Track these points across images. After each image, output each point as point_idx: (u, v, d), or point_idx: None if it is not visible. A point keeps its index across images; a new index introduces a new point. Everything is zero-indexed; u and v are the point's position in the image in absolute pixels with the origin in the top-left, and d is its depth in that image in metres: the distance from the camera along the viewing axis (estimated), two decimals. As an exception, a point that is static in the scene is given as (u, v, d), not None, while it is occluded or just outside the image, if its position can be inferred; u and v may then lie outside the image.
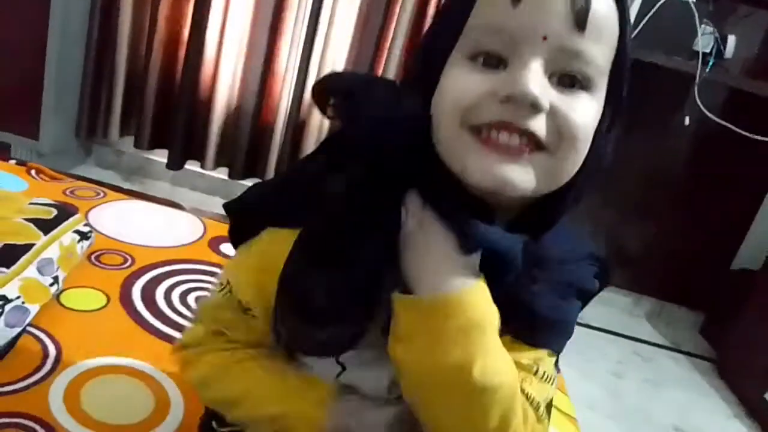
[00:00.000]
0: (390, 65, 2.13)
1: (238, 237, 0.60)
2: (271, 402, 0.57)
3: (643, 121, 2.21)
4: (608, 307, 2.45)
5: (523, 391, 0.53)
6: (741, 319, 2.11)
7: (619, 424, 1.72)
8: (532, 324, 0.55)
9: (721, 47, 1.95)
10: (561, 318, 0.58)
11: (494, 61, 0.48)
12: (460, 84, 0.48)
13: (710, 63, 1.93)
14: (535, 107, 0.46)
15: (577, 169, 0.50)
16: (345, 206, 0.51)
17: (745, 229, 2.34)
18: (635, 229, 2.40)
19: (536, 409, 0.54)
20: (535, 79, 0.46)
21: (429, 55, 0.52)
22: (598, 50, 0.48)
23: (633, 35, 1.65)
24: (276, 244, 0.54)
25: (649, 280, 2.46)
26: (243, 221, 0.59)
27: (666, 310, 2.49)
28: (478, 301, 0.49)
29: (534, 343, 0.56)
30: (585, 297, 0.61)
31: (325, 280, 0.51)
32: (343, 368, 0.57)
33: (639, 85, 2.09)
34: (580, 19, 0.46)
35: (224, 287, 0.59)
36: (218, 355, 0.60)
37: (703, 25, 1.96)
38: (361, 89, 0.53)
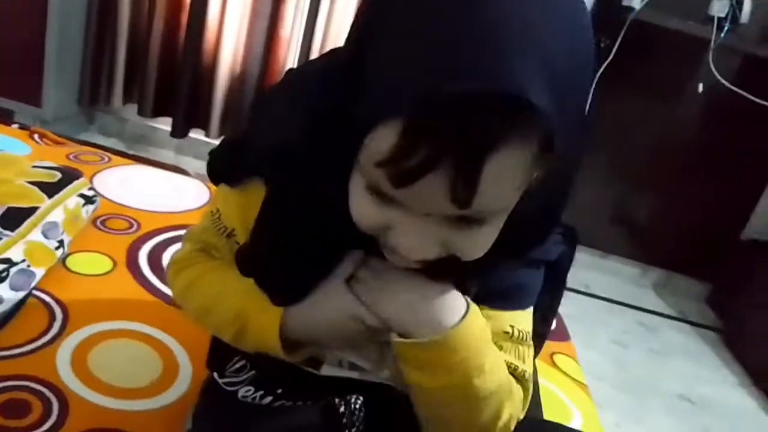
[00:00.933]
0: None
1: (217, 177, 0.63)
2: (236, 298, 0.58)
3: (654, 87, 2.18)
4: (615, 277, 2.44)
5: (507, 364, 0.57)
6: (749, 290, 2.12)
7: (624, 393, 1.72)
8: (500, 293, 0.58)
9: (737, 12, 1.92)
10: (522, 282, 0.60)
11: (390, 200, 0.45)
12: (362, 210, 0.48)
13: (725, 28, 1.90)
14: (424, 261, 0.47)
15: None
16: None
17: (756, 199, 2.32)
18: (643, 198, 2.39)
19: (519, 375, 0.58)
20: (423, 241, 0.46)
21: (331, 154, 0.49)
22: (496, 202, 0.44)
23: (646, 0, 1.57)
24: (251, 193, 0.57)
25: (656, 250, 2.46)
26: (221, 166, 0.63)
27: (673, 281, 2.48)
28: (474, 330, 0.52)
29: (504, 308, 0.58)
30: (548, 267, 0.62)
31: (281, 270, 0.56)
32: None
33: (652, 51, 2.07)
34: (462, 204, 0.42)
35: (214, 214, 0.62)
36: (199, 266, 0.63)
37: (718, -10, 1.92)
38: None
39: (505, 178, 0.42)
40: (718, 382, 1.95)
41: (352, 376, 0.62)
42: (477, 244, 0.47)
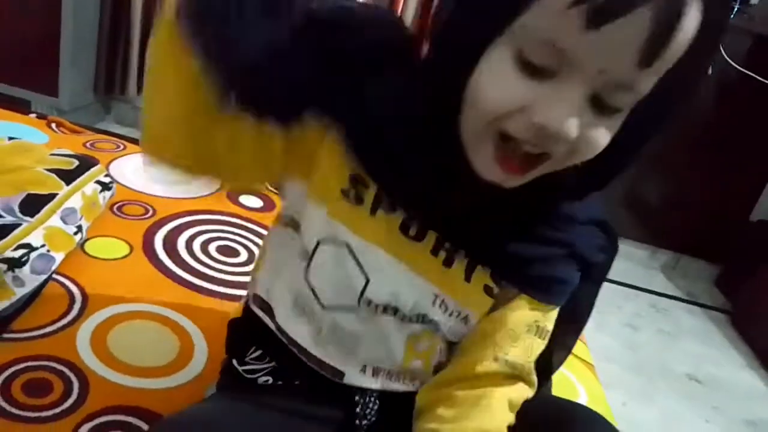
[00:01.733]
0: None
1: None
2: None
3: (664, 70, 2.17)
4: (624, 260, 2.45)
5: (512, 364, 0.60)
6: (757, 272, 2.11)
7: (635, 373, 1.74)
8: (543, 284, 0.59)
9: (748, -7, 1.90)
10: (565, 278, 0.61)
11: (540, 73, 0.44)
12: (500, 88, 0.45)
13: (735, 9, 1.88)
14: (562, 140, 0.45)
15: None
16: None
17: (765, 180, 2.31)
18: (652, 180, 2.38)
19: (526, 372, 0.61)
20: (573, 117, 0.44)
21: (462, 35, 0.47)
22: (653, 80, 0.44)
23: None
24: None
25: (665, 233, 2.46)
26: None
27: (682, 263, 2.49)
28: None
29: (544, 300, 0.60)
30: (586, 267, 0.62)
31: None
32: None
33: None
34: (650, 58, 0.41)
35: None
36: None
37: (729, -29, 1.90)
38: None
39: (685, 43, 0.41)
40: (726, 362, 1.96)
41: (373, 386, 0.63)
42: (603, 137, 0.46)
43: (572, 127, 0.44)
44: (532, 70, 0.43)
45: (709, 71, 2.03)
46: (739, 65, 2.00)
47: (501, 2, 0.44)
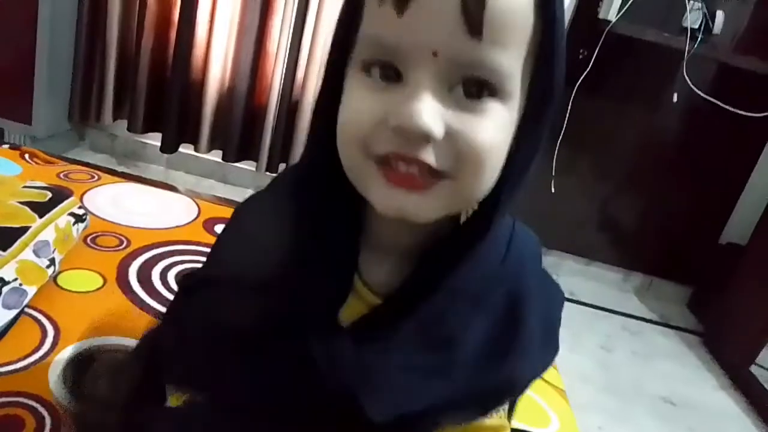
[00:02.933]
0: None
1: None
2: None
3: (631, 97, 2.23)
4: (598, 282, 2.48)
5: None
6: (728, 294, 2.15)
7: (609, 395, 1.76)
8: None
9: (710, 23, 1.96)
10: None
11: (392, 73, 0.43)
12: (354, 108, 0.44)
13: (699, 39, 1.94)
14: (427, 139, 0.42)
15: (489, 186, 0.46)
16: None
17: (733, 204, 2.37)
18: (624, 204, 2.43)
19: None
20: (426, 107, 0.41)
21: (328, 67, 0.48)
22: (504, 55, 0.42)
23: (621, 12, 1.63)
24: None
25: (638, 256, 2.50)
26: None
27: (654, 285, 2.53)
28: None
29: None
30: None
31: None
32: None
33: (628, 62, 2.12)
34: (474, 23, 0.40)
35: None
36: None
37: (691, 1, 1.97)
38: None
39: (512, 21, 0.41)
40: (699, 384, 1.99)
41: None
42: (482, 132, 0.43)
43: (427, 118, 0.41)
44: (379, 80, 0.43)
45: (675, 98, 2.09)
46: (703, 92, 2.07)
47: (345, 20, 0.45)
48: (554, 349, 0.60)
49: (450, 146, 0.43)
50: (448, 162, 0.43)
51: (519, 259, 0.56)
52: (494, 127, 0.43)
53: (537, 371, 0.59)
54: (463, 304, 0.53)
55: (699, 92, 2.04)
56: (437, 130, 0.42)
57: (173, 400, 0.59)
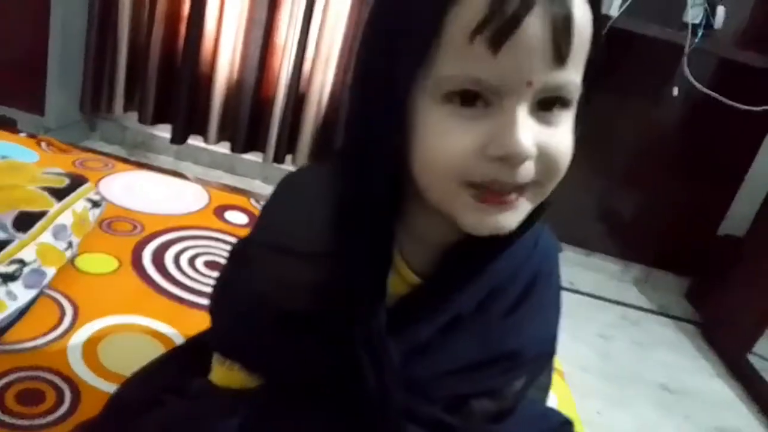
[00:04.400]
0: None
1: None
2: None
3: (632, 91, 2.24)
4: (597, 273, 2.51)
5: None
6: (725, 284, 2.18)
7: (608, 383, 1.79)
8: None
9: (711, 18, 1.97)
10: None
11: (471, 98, 0.45)
12: (449, 140, 0.45)
13: (699, 34, 1.95)
14: (526, 159, 0.46)
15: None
16: None
17: (731, 196, 2.38)
18: (624, 197, 2.45)
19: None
20: (526, 132, 0.44)
21: (383, 89, 0.48)
22: (577, 72, 0.46)
23: (623, 8, 1.67)
24: None
25: (637, 247, 2.52)
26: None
27: (653, 276, 2.54)
28: None
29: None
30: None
31: None
32: None
33: (629, 56, 2.13)
34: (563, 54, 0.44)
35: None
36: None
37: (693, -4, 1.99)
38: None
39: (583, 44, 0.45)
40: (696, 372, 2.02)
41: None
42: (562, 142, 0.47)
43: (527, 142, 0.44)
44: (461, 108, 0.45)
45: (675, 92, 2.11)
46: (703, 86, 2.09)
47: (409, 63, 0.45)
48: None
49: (539, 161, 0.47)
50: (536, 174, 0.47)
51: (544, 258, 0.63)
52: (567, 134, 0.48)
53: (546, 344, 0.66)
54: (495, 290, 0.59)
55: (700, 86, 2.06)
56: (533, 151, 0.45)
57: (217, 371, 0.62)
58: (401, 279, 0.57)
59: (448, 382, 0.60)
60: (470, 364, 0.60)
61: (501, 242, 0.53)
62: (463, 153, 0.45)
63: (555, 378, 1.14)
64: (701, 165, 2.34)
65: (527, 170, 0.46)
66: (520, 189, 0.48)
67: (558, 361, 1.21)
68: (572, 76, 0.46)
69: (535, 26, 0.42)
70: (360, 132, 0.53)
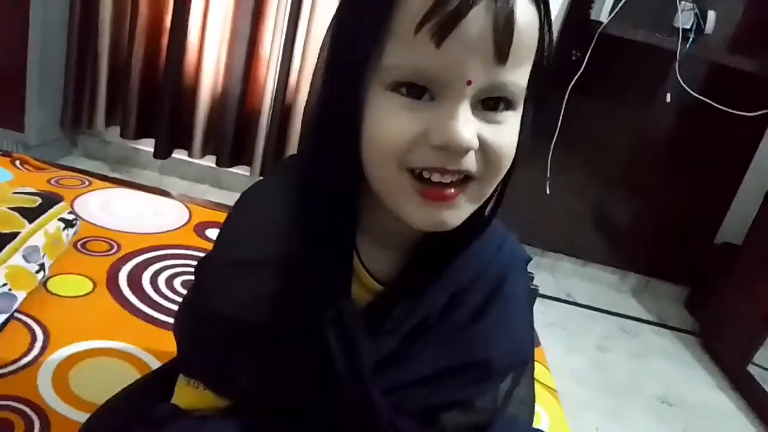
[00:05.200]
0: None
1: None
2: None
3: (625, 97, 2.23)
4: (594, 283, 2.48)
5: None
6: (724, 293, 2.16)
7: (605, 396, 1.76)
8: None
9: (702, 23, 1.97)
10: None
11: (417, 92, 0.47)
12: (390, 126, 0.47)
13: (690, 39, 1.95)
14: (467, 152, 0.47)
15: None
16: None
17: (728, 203, 2.37)
18: (620, 206, 2.44)
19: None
20: (466, 125, 0.46)
21: (341, 75, 0.51)
22: (521, 73, 0.48)
23: (613, 14, 1.65)
24: None
25: (634, 257, 2.50)
26: None
27: (651, 286, 2.53)
28: None
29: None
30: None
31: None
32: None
33: (620, 62, 2.12)
34: (503, 52, 0.45)
35: None
36: None
37: (683, 2, 1.98)
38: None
39: (527, 45, 0.46)
40: (696, 383, 1.99)
41: None
42: (505, 138, 0.49)
43: (467, 134, 0.46)
44: (414, 99, 0.47)
45: (668, 99, 2.10)
46: (695, 92, 2.07)
47: (362, 47, 0.47)
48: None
49: (480, 154, 0.48)
50: (477, 167, 0.49)
51: (509, 262, 0.63)
52: (511, 133, 0.50)
53: (516, 349, 0.64)
54: (456, 292, 0.59)
55: (692, 92, 2.05)
56: (475, 143, 0.47)
57: (182, 391, 0.61)
58: (363, 287, 0.58)
59: (416, 393, 0.59)
60: (437, 373, 0.59)
61: (459, 242, 0.55)
62: (406, 137, 0.47)
63: (546, 396, 1.10)
64: (697, 172, 2.33)
65: (468, 161, 0.48)
66: (460, 185, 0.49)
67: (550, 378, 1.17)
68: (514, 77, 0.47)
69: (477, 23, 0.44)
70: (319, 118, 0.54)
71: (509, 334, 0.63)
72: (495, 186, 0.51)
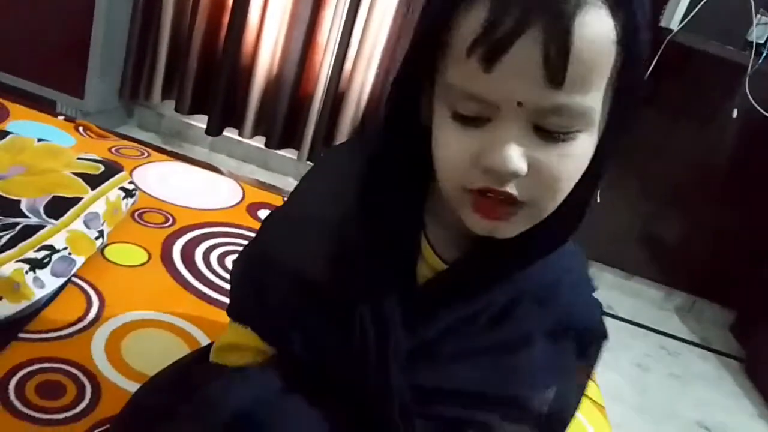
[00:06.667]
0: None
1: None
2: None
3: (689, 110, 2.16)
4: (638, 299, 2.42)
5: None
6: (773, 319, 2.09)
7: (642, 416, 1.71)
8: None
9: (776, 39, 1.89)
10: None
11: (475, 122, 0.47)
12: (451, 150, 0.49)
13: (764, 54, 1.88)
14: (514, 177, 0.47)
15: (558, 204, 0.50)
16: None
17: (786, 228, 2.29)
18: (672, 220, 2.37)
19: None
20: (513, 152, 0.46)
21: (406, 91, 0.53)
22: (585, 97, 0.45)
23: (684, 22, 1.58)
24: None
25: (681, 274, 2.43)
26: None
27: (697, 306, 2.46)
28: None
29: None
30: (584, 340, 0.63)
31: None
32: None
33: (688, 74, 2.04)
34: (556, 76, 0.43)
35: None
36: None
37: (759, 15, 1.90)
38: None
39: (598, 41, 0.43)
40: (736, 411, 1.93)
41: None
42: (561, 164, 0.47)
43: (514, 159, 0.45)
44: (468, 122, 0.47)
45: (734, 114, 2.03)
46: (764, 110, 2.00)
47: (424, 63, 0.49)
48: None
49: (532, 179, 0.47)
50: (529, 192, 0.48)
51: (579, 311, 0.63)
52: (577, 156, 0.48)
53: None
54: (518, 298, 0.58)
55: (760, 109, 1.97)
56: (522, 169, 0.46)
57: (229, 333, 0.64)
58: (426, 264, 0.58)
59: (442, 401, 0.58)
60: (470, 393, 0.58)
61: (531, 252, 0.55)
62: (462, 161, 0.48)
63: (594, 411, 1.08)
64: (757, 193, 2.24)
65: (514, 186, 0.47)
66: (514, 205, 0.49)
67: (598, 393, 1.14)
68: (578, 99, 0.45)
69: (526, 49, 0.42)
70: (392, 111, 0.55)
71: (559, 383, 0.62)
72: (550, 210, 0.50)
